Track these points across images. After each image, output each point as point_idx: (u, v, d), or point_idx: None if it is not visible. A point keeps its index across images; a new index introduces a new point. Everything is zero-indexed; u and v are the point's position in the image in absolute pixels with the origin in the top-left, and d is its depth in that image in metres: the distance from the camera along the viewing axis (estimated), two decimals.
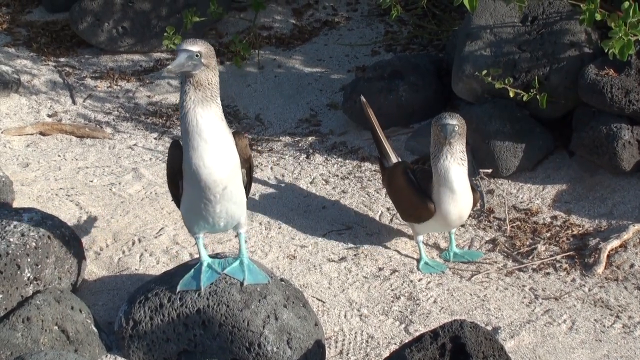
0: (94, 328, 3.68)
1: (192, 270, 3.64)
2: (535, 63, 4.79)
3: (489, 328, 3.85)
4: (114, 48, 6.29)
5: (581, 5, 4.44)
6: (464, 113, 4.39)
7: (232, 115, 5.64)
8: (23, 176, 4.97)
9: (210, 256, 3.71)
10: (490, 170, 4.66)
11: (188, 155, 3.37)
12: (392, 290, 4.12)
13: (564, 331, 3.86)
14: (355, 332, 3.88)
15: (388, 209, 4.67)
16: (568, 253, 4.32)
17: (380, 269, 4.26)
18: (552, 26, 4.83)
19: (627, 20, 4.26)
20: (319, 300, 4.05)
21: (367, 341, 3.83)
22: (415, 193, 4.18)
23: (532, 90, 4.71)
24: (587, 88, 4.60)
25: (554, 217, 4.55)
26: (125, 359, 3.65)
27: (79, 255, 3.99)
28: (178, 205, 3.61)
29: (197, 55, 3.30)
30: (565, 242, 4.39)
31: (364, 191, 4.84)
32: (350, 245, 4.44)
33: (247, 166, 3.55)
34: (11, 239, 3.75)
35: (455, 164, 4.04)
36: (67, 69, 6.17)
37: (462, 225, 4.51)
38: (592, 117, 4.67)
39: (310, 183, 4.95)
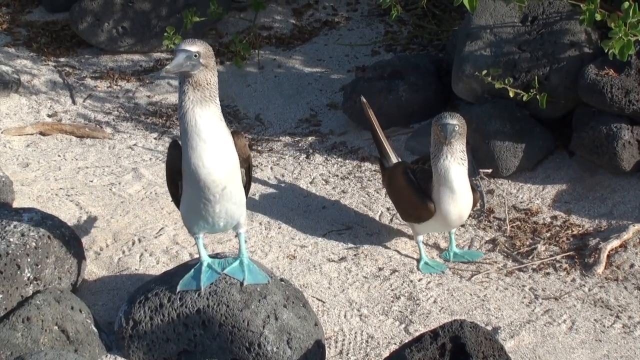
0: (94, 328, 3.68)
1: (192, 270, 3.65)
2: (535, 63, 4.79)
3: (489, 328, 3.85)
4: (114, 48, 6.29)
5: (581, 6, 4.44)
6: (464, 113, 4.39)
7: (232, 115, 5.64)
8: (23, 176, 4.97)
9: (210, 256, 3.71)
10: (490, 170, 4.66)
11: (187, 155, 3.37)
12: (392, 290, 4.13)
13: (564, 331, 3.86)
14: (355, 332, 3.88)
15: (388, 209, 4.67)
16: (568, 253, 4.32)
17: (380, 269, 4.26)
18: (552, 26, 4.83)
19: (627, 20, 4.26)
20: (319, 300, 4.05)
21: (367, 341, 3.83)
22: (415, 193, 4.18)
23: (532, 90, 4.71)
24: (587, 88, 4.60)
25: (554, 217, 4.55)
26: (125, 359, 3.65)
27: (79, 255, 3.99)
28: (177, 205, 3.61)
29: (195, 56, 3.30)
30: (565, 242, 4.39)
31: (364, 191, 4.84)
32: (350, 245, 4.44)
33: (246, 166, 3.55)
34: (11, 239, 3.75)
35: (455, 164, 4.04)
36: (67, 69, 6.17)
37: (462, 225, 4.51)
38: (592, 117, 4.67)
39: (310, 183, 4.95)
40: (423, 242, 4.34)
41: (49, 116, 5.70)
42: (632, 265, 4.20)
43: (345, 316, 3.96)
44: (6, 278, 3.67)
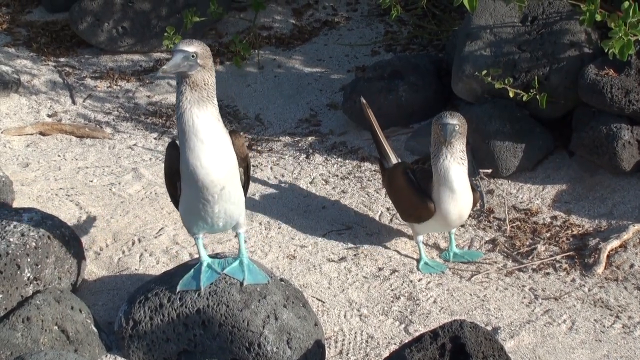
0: (93, 328, 3.68)
1: (192, 270, 3.65)
2: (535, 63, 4.79)
3: (489, 328, 3.85)
4: (113, 48, 6.29)
5: (581, 6, 4.44)
6: (463, 113, 4.38)
7: (231, 115, 5.64)
8: (23, 176, 4.97)
9: (210, 256, 3.71)
10: (490, 170, 4.66)
11: (185, 156, 3.37)
12: (392, 290, 4.12)
13: (563, 331, 3.86)
14: (355, 332, 3.88)
15: (388, 209, 4.67)
16: (568, 253, 4.32)
17: (380, 269, 4.26)
18: (552, 26, 4.83)
19: (627, 20, 4.26)
20: (318, 300, 4.05)
21: (366, 341, 3.83)
22: (415, 193, 4.18)
23: (532, 90, 4.71)
24: (587, 88, 4.60)
25: (554, 217, 4.55)
26: (125, 359, 3.65)
27: (79, 255, 3.99)
28: (176, 205, 3.61)
29: (193, 56, 3.31)
30: (565, 242, 4.39)
31: (364, 191, 4.84)
32: (350, 245, 4.44)
33: (245, 165, 3.55)
34: (11, 239, 3.75)
35: (455, 164, 4.04)
36: (67, 69, 6.17)
37: (462, 225, 4.51)
38: (592, 117, 4.67)
39: (310, 183, 4.95)
40: (423, 242, 4.34)
41: (49, 116, 5.70)
42: (632, 266, 4.20)
43: (345, 316, 3.96)
44: (6, 278, 3.67)
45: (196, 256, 3.80)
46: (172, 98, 5.81)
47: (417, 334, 3.71)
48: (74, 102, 5.84)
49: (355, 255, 4.36)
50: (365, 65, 5.96)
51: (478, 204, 4.32)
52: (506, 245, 4.40)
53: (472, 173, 4.47)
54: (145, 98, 5.88)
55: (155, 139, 5.45)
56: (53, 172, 5.05)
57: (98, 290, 4.08)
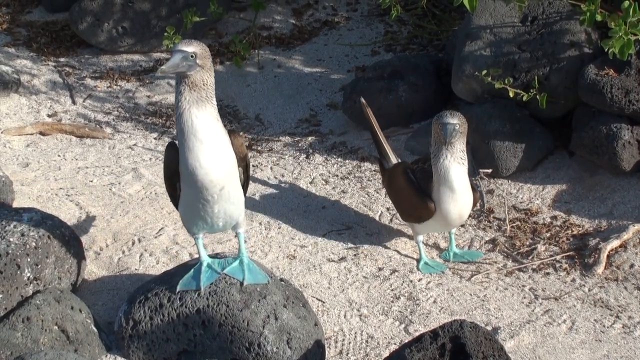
0: (93, 328, 3.68)
1: (192, 270, 3.64)
2: (535, 63, 4.79)
3: (489, 328, 3.85)
4: (113, 48, 6.29)
5: (581, 6, 4.44)
6: (463, 113, 4.38)
7: (231, 115, 5.64)
8: (23, 176, 4.97)
9: (210, 256, 3.71)
10: (490, 170, 4.66)
11: (184, 156, 3.37)
12: (392, 290, 4.12)
13: (563, 331, 3.86)
14: (355, 332, 3.88)
15: (388, 209, 4.67)
16: (568, 253, 4.32)
17: (380, 269, 4.26)
18: (552, 26, 4.83)
19: (627, 19, 4.26)
20: (318, 300, 4.05)
21: (366, 341, 3.83)
22: (416, 193, 4.18)
23: (532, 90, 4.71)
24: (587, 88, 4.60)
25: (554, 217, 4.55)
26: (125, 359, 3.65)
27: (79, 255, 3.99)
28: (176, 206, 3.61)
29: (192, 56, 3.30)
30: (565, 242, 4.39)
31: (364, 191, 4.84)
32: (350, 245, 4.44)
33: (244, 164, 3.55)
34: (11, 239, 3.75)
35: (455, 164, 4.04)
36: (67, 69, 6.17)
37: (462, 225, 4.51)
38: (592, 117, 4.67)
39: (310, 183, 4.95)
40: (423, 242, 4.34)
41: (48, 116, 5.70)
42: (632, 266, 4.20)
43: (345, 316, 3.96)
44: (6, 278, 3.67)
45: (196, 256, 3.80)
46: (172, 98, 5.81)
47: (417, 334, 3.71)
48: (74, 102, 5.84)
49: (355, 255, 4.35)
50: (365, 65, 5.96)
51: (478, 204, 4.32)
52: (506, 245, 4.40)
53: (472, 173, 4.47)
54: (145, 98, 5.88)
55: (155, 139, 5.45)
56: (53, 172, 5.05)
57: (98, 290, 4.08)
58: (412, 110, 5.32)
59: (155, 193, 4.82)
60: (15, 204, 4.46)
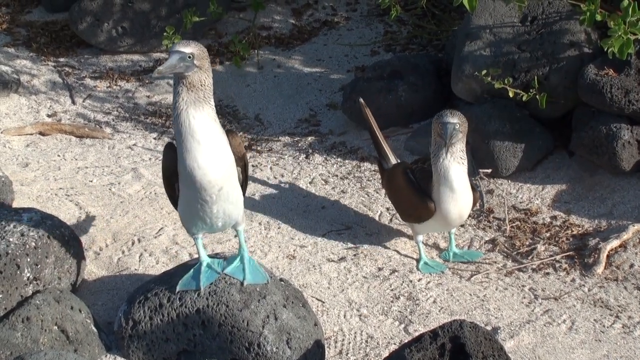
0: (93, 328, 3.68)
1: (192, 270, 3.65)
2: (535, 63, 4.79)
3: (489, 328, 3.85)
4: (113, 48, 6.29)
5: (581, 6, 4.44)
6: (463, 113, 4.38)
7: (231, 115, 5.64)
8: (23, 176, 4.97)
9: (210, 256, 3.71)
10: (489, 170, 4.66)
11: (182, 157, 3.37)
12: (392, 290, 4.12)
13: (563, 331, 3.86)
14: (355, 332, 3.88)
15: (387, 208, 4.67)
16: (568, 253, 4.32)
17: (379, 269, 4.26)
18: (551, 26, 4.83)
19: (627, 18, 4.26)
20: (318, 300, 4.05)
21: (366, 341, 3.83)
22: (415, 193, 4.17)
23: (531, 90, 4.71)
24: (587, 88, 4.60)
25: (554, 217, 4.55)
26: (125, 359, 3.65)
27: (79, 255, 3.99)
28: (175, 206, 3.61)
29: (189, 57, 3.30)
30: (564, 242, 4.39)
31: (364, 191, 4.84)
32: (350, 245, 4.44)
33: (242, 164, 3.55)
34: (11, 239, 3.75)
35: (455, 163, 4.04)
36: (67, 69, 6.17)
37: (462, 225, 4.51)
38: (592, 117, 4.67)
39: (310, 183, 4.94)
40: (423, 242, 4.33)
41: (48, 116, 5.70)
42: (631, 265, 4.20)
43: (344, 316, 3.96)
44: (6, 278, 3.67)
45: (196, 256, 3.80)
46: (171, 98, 5.78)
47: (416, 334, 3.71)
48: (73, 102, 5.84)
49: (355, 255, 4.35)
50: (364, 65, 5.96)
51: (478, 204, 4.32)
52: (506, 245, 4.40)
53: (472, 173, 4.47)
54: (145, 98, 5.88)
55: (154, 139, 5.45)
56: (53, 172, 5.05)
57: (98, 290, 4.08)
58: (411, 110, 5.32)
59: (155, 193, 4.82)
60: (15, 204, 4.46)
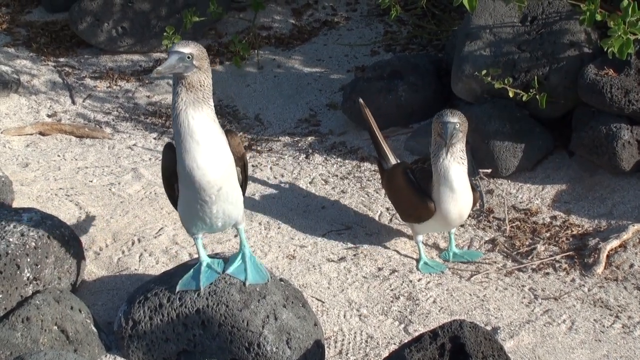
0: (93, 328, 3.68)
1: (192, 270, 3.65)
2: (535, 63, 4.79)
3: (489, 328, 3.85)
4: (113, 48, 6.29)
5: (581, 6, 4.44)
6: (463, 113, 4.39)
7: (231, 115, 5.64)
8: (23, 176, 4.97)
9: (210, 256, 3.71)
10: (489, 170, 4.66)
11: (181, 157, 3.37)
12: (392, 290, 4.12)
13: (563, 331, 3.86)
14: (355, 332, 3.88)
15: (387, 208, 4.67)
16: (567, 253, 4.32)
17: (379, 269, 4.26)
18: (551, 26, 4.84)
19: (627, 18, 4.26)
20: (318, 300, 4.05)
21: (366, 341, 3.83)
22: (415, 193, 4.17)
23: (531, 90, 4.71)
24: (587, 88, 4.60)
25: (554, 217, 4.55)
26: (125, 359, 3.65)
27: (79, 255, 3.99)
28: (175, 206, 3.62)
29: (188, 57, 3.30)
30: (564, 242, 4.39)
31: (364, 191, 4.84)
32: (350, 245, 4.44)
33: (241, 164, 3.55)
34: (11, 239, 3.75)
35: (455, 163, 4.04)
36: (67, 69, 6.17)
37: (462, 225, 4.51)
38: (592, 117, 4.67)
39: (310, 183, 4.94)
40: (422, 242, 4.33)
41: (48, 116, 5.70)
42: (631, 265, 4.20)
43: (344, 316, 3.96)
44: (6, 278, 3.67)
45: (196, 256, 3.80)
46: (171, 98, 5.80)
47: (416, 334, 3.71)
48: (73, 102, 5.84)
49: (354, 255, 4.35)
50: (364, 65, 5.96)
51: (478, 204, 4.32)
52: (506, 245, 4.40)
53: (472, 173, 4.47)
54: (145, 98, 5.88)
55: (154, 139, 5.45)
56: (53, 172, 5.05)
57: (98, 290, 4.08)
58: (411, 110, 5.32)
59: (155, 193, 4.82)
60: (15, 204, 4.46)
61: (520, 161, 4.76)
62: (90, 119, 5.67)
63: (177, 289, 3.60)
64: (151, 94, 5.92)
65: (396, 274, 4.23)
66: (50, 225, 3.89)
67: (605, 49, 4.31)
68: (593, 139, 4.61)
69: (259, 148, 5.30)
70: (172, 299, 3.59)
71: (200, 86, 3.32)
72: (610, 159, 4.56)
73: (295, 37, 6.40)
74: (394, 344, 3.80)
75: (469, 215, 4.38)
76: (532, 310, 3.98)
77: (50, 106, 5.80)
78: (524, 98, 4.71)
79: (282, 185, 4.94)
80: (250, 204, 4.64)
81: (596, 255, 4.23)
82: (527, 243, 4.40)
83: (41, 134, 5.49)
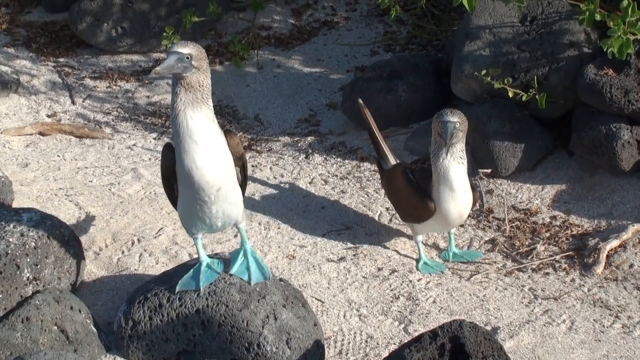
0: (93, 328, 3.68)
1: (191, 270, 3.64)
2: (535, 63, 4.79)
3: (488, 328, 3.85)
4: (113, 48, 6.29)
5: (581, 6, 4.44)
6: (463, 113, 4.39)
7: (231, 115, 5.64)
8: (22, 176, 4.97)
9: (210, 256, 3.71)
10: (489, 170, 4.66)
11: (180, 157, 3.37)
12: (392, 290, 4.12)
13: (563, 331, 3.86)
14: (355, 332, 3.88)
15: (387, 208, 4.67)
16: (567, 253, 4.32)
17: (379, 269, 4.26)
18: (551, 26, 4.84)
19: (626, 19, 4.27)
20: (318, 300, 4.05)
21: (366, 341, 3.83)
22: (415, 192, 4.17)
23: (531, 90, 4.71)
24: (587, 88, 4.60)
25: (553, 217, 4.55)
26: (125, 359, 3.65)
27: (78, 255, 3.99)
28: (175, 206, 3.62)
29: (187, 58, 3.30)
30: (564, 242, 4.39)
31: (363, 191, 4.84)
32: (350, 245, 4.44)
33: (241, 164, 3.55)
34: (10, 239, 3.75)
35: (455, 163, 4.04)
36: (67, 69, 6.17)
37: (462, 225, 4.51)
38: (592, 117, 4.67)
39: (310, 183, 4.94)
40: (422, 242, 4.33)
41: (48, 116, 5.70)
42: (631, 265, 4.20)
43: (344, 316, 3.96)
44: (5, 278, 3.67)
45: (195, 256, 3.80)
46: (170, 98, 5.81)
47: (416, 334, 3.71)
48: (73, 102, 5.84)
49: (354, 255, 4.35)
50: (364, 65, 5.96)
51: (477, 204, 4.32)
52: (505, 245, 4.40)
53: (472, 173, 4.47)
54: (145, 98, 5.88)
55: (154, 139, 5.45)
56: (52, 172, 5.05)
57: (97, 290, 4.08)
58: (411, 110, 5.32)
59: (155, 193, 4.82)
60: (14, 204, 4.46)
61: (520, 161, 4.76)
62: (90, 119, 5.67)
63: (177, 289, 3.60)
64: (151, 94, 5.92)
65: (396, 274, 4.23)
66: (50, 226, 3.89)
67: (605, 49, 4.31)
68: (593, 139, 4.61)
69: (258, 148, 5.30)
70: (172, 299, 3.59)
71: (199, 86, 3.32)
72: (610, 159, 4.56)
73: (295, 37, 6.40)
74: (394, 344, 3.80)
75: (469, 215, 4.38)
76: (532, 310, 3.98)
77: (50, 106, 5.80)
78: (524, 98, 4.71)
79: (282, 185, 4.94)
80: (250, 204, 4.64)
81: (596, 255, 4.23)
82: (526, 243, 4.40)
83: (41, 134, 5.49)
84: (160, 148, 5.27)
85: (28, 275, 3.73)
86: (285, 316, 3.57)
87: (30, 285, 3.74)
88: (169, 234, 4.47)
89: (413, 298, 4.07)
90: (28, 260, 3.73)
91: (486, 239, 4.46)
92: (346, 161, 5.12)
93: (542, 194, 4.69)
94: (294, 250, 4.39)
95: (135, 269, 4.22)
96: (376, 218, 4.64)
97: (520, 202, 4.67)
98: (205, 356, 3.53)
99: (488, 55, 4.87)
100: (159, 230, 4.51)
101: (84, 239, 4.31)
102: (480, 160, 4.73)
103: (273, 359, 3.50)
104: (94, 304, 3.95)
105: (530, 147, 4.78)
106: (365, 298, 4.07)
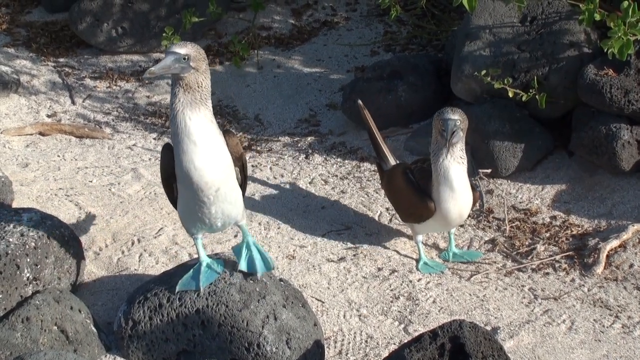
0: (93, 328, 3.68)
1: (191, 270, 3.65)
2: (535, 63, 4.79)
3: (488, 328, 3.85)
4: (113, 48, 6.29)
5: (580, 5, 4.44)
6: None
7: (231, 115, 5.64)
8: (22, 176, 4.97)
9: (209, 256, 3.71)
10: (489, 171, 4.66)
11: (179, 158, 3.37)
12: (391, 290, 4.12)
13: (563, 331, 3.86)
14: (355, 332, 3.88)
15: (387, 209, 4.67)
16: (567, 253, 4.32)
17: (379, 269, 4.26)
18: (551, 26, 4.84)
19: (626, 19, 4.27)
20: (318, 300, 4.05)
21: (366, 341, 3.83)
22: (415, 192, 4.17)
23: (531, 91, 4.71)
24: (587, 88, 4.60)
25: (553, 217, 4.55)
26: (125, 359, 3.65)
27: (78, 255, 3.99)
28: (175, 206, 3.62)
29: (185, 58, 3.30)
30: (564, 242, 4.39)
31: (363, 191, 4.84)
32: (350, 245, 4.44)
33: (240, 164, 3.55)
34: (10, 239, 3.75)
35: (455, 163, 4.04)
36: (67, 69, 6.17)
37: (462, 225, 4.51)
38: (592, 117, 4.67)
39: (310, 183, 4.94)
40: (422, 242, 4.33)
41: (48, 116, 5.70)
42: (631, 265, 4.20)
43: (344, 316, 3.96)
44: (5, 278, 3.67)
45: (195, 256, 3.80)
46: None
47: (416, 334, 3.71)
48: (73, 103, 5.84)
49: (354, 255, 4.35)
50: (364, 65, 5.96)
51: (477, 204, 4.32)
52: (505, 245, 4.40)
53: (472, 173, 4.47)
54: (145, 98, 5.88)
55: (154, 139, 5.45)
56: (52, 172, 5.05)
57: (97, 290, 4.08)
58: (411, 111, 5.32)
59: (155, 193, 4.82)
60: (14, 204, 4.46)
61: (520, 161, 4.76)
62: (90, 119, 5.67)
63: (177, 289, 3.60)
64: (151, 94, 5.92)
65: (396, 274, 4.23)
66: (50, 226, 3.90)
67: (605, 50, 4.31)
68: (593, 139, 4.61)
69: (258, 148, 5.30)
70: (172, 299, 3.59)
71: (198, 87, 3.32)
72: (610, 159, 4.56)
73: (295, 37, 6.40)
74: (394, 344, 3.80)
75: (469, 215, 4.38)
76: (532, 310, 3.98)
77: (50, 106, 5.80)
78: (524, 98, 4.71)
79: (282, 185, 4.94)
80: (250, 204, 4.64)
81: (596, 255, 4.23)
82: (526, 243, 4.40)
83: (41, 134, 5.49)
84: (160, 148, 5.27)
85: (28, 275, 3.73)
86: (285, 316, 3.57)
87: (30, 285, 3.74)
88: (169, 234, 4.47)
89: (413, 298, 4.07)
90: (28, 260, 3.73)
91: (486, 239, 4.46)
92: (346, 161, 5.12)
93: (542, 194, 4.69)
94: (294, 251, 4.39)
95: (135, 269, 4.22)
96: (376, 218, 4.64)
97: (520, 202, 4.67)
98: (205, 356, 3.53)
99: (488, 55, 4.87)
100: (159, 230, 4.51)
101: (84, 239, 4.31)
102: (480, 160, 4.74)
103: (273, 359, 3.50)
104: (94, 304, 3.95)
105: (530, 147, 4.78)
106: (365, 298, 4.07)
